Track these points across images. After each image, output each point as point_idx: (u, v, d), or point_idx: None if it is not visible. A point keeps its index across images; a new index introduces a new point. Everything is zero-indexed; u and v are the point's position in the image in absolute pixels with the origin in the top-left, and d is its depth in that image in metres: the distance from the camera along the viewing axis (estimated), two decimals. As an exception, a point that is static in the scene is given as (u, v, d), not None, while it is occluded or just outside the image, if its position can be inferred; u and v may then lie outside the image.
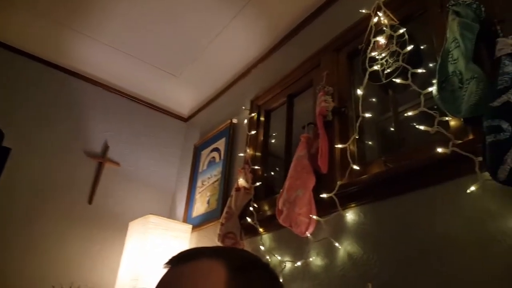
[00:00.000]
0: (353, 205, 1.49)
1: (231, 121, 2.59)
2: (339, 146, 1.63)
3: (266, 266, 0.61)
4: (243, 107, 2.51)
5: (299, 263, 1.61)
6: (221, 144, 2.62)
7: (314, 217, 1.57)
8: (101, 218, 2.54)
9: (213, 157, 2.65)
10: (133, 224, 2.34)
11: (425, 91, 1.33)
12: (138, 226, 2.27)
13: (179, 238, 2.26)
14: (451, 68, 1.24)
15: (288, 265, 1.67)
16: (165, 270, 0.58)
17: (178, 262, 0.58)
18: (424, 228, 1.22)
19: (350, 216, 1.50)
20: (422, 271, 1.18)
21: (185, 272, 0.55)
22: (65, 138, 2.60)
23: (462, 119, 1.20)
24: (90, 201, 2.55)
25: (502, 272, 1.00)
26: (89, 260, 2.41)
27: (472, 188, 1.10)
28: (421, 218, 1.24)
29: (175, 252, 0.62)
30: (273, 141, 2.34)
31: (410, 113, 1.38)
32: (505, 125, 0.96)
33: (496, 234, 1.04)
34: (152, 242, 2.14)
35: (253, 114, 2.38)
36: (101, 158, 2.68)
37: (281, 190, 1.74)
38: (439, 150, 1.18)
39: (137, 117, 2.99)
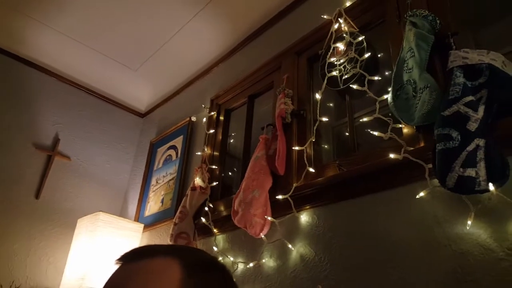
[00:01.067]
0: (307, 207, 1.50)
1: (190, 119, 2.54)
2: (297, 148, 1.64)
3: (222, 267, 0.59)
4: (203, 105, 2.47)
5: (251, 264, 1.61)
6: (178, 142, 2.56)
7: (269, 218, 1.57)
8: (48, 213, 2.41)
9: (170, 155, 2.59)
10: (82, 221, 2.24)
11: (380, 98, 1.37)
12: (87, 224, 2.17)
13: (129, 237, 2.18)
14: (405, 77, 1.28)
15: (241, 266, 1.65)
16: (116, 267, 0.55)
17: (131, 259, 0.55)
18: (375, 231, 1.25)
19: (304, 218, 1.50)
20: (372, 273, 1.21)
21: (138, 269, 0.52)
22: (12, 128, 2.44)
23: (414, 127, 1.24)
24: (37, 195, 2.40)
25: (447, 275, 1.03)
26: (33, 257, 2.27)
27: (421, 194, 1.14)
28: (372, 222, 1.27)
29: (125, 251, 0.59)
30: (231, 141, 2.32)
31: (365, 119, 1.41)
32: (454, 134, 1.00)
33: (442, 239, 1.08)
34: (101, 241, 2.05)
35: (212, 113, 2.35)
36: (51, 151, 2.54)
37: (237, 190, 1.73)
38: (392, 156, 1.22)
39: (91, 111, 2.87)
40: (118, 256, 0.56)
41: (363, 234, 1.28)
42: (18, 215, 2.29)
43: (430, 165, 1.10)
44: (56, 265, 2.30)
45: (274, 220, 1.57)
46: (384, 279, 1.16)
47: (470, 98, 1.03)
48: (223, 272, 0.58)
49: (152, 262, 0.54)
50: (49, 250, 2.34)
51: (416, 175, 1.16)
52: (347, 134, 1.56)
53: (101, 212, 2.15)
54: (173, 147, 2.59)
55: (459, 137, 0.99)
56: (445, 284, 1.03)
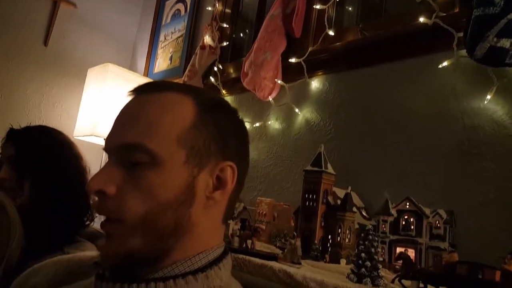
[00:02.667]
0: (320, 73, 1.45)
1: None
2: (318, 7, 1.50)
3: (234, 110, 0.58)
4: None
5: (257, 124, 1.63)
6: (187, -6, 2.38)
7: (279, 82, 1.53)
8: (58, 61, 2.38)
9: (178, 10, 2.43)
10: (91, 71, 2.23)
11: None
12: (97, 74, 2.16)
13: (138, 91, 2.19)
14: None
15: (247, 125, 1.67)
16: (129, 98, 0.54)
17: (145, 91, 0.53)
18: (387, 101, 1.23)
19: (315, 84, 1.47)
20: (377, 139, 1.22)
21: (152, 100, 0.51)
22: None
23: (453, -11, 1.11)
24: (45, 42, 2.35)
25: (453, 147, 1.04)
26: (46, 103, 2.33)
27: (445, 63, 1.07)
28: (386, 91, 1.24)
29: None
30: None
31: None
32: (498, -1, 0.89)
33: (456, 112, 1.06)
34: (111, 92, 2.07)
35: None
36: (56, -4, 2.40)
37: (248, 52, 1.66)
38: (421, 19, 1.11)
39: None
40: (130, 89, 0.55)
41: (375, 103, 1.26)
42: (28, 61, 2.27)
43: (461, 34, 1.01)
44: (69, 112, 2.38)
45: (284, 84, 1.53)
46: (388, 145, 1.18)
47: (528, -45, 0.89)
48: (234, 113, 0.58)
49: (167, 95, 0.52)
50: (62, 98, 2.39)
51: (443, 44, 1.08)
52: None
53: (110, 63, 2.12)
54: (182, 1, 2.42)
55: (502, 3, 0.89)
56: (449, 154, 1.05)
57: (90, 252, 0.62)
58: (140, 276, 0.48)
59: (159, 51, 2.50)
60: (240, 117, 0.59)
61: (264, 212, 1.23)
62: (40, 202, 0.95)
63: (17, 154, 0.98)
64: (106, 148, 0.52)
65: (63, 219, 0.96)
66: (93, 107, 2.07)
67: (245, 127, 0.60)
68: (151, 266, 0.49)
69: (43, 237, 0.89)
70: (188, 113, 0.51)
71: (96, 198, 0.49)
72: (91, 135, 2.03)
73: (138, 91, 0.54)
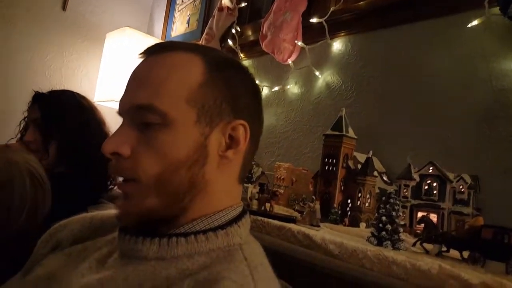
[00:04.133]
0: (342, 34, 1.40)
1: None
2: (340, -36, 1.44)
3: (244, 67, 0.58)
4: None
5: (276, 88, 1.60)
6: (205, -47, 2.30)
7: (299, 43, 1.49)
8: (76, 26, 2.37)
9: (196, -30, 2.37)
10: (110, 35, 2.22)
11: None
12: (116, 38, 2.16)
13: (156, 55, 2.18)
14: None
15: (265, 90, 1.65)
16: (140, 60, 0.54)
17: (154, 52, 0.53)
18: (412, 62, 1.18)
19: (337, 45, 1.42)
20: (399, 103, 1.19)
21: (161, 60, 0.52)
22: None
23: None
24: (64, 7, 2.34)
25: (480, 110, 1.00)
26: (66, 68, 2.34)
27: (475, 22, 1.01)
28: (411, 52, 1.19)
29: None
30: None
31: None
32: None
33: (484, 74, 1.01)
34: (130, 56, 2.06)
35: None
36: (71, -41, 2.36)
37: (267, 13, 1.61)
38: (452, -25, 1.05)
39: None
40: (141, 50, 0.54)
41: (399, 65, 1.22)
42: (47, 26, 2.27)
43: (494, -11, 0.95)
44: (89, 77, 2.39)
45: (304, 46, 1.49)
46: (412, 109, 1.15)
47: None
48: (245, 71, 0.57)
49: (175, 55, 0.52)
50: (82, 63, 2.39)
51: (473, 1, 1.02)
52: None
53: (127, 27, 2.11)
54: (200, -39, 2.35)
55: (542, -47, 0.82)
56: (475, 118, 1.01)
57: (112, 210, 0.63)
58: (160, 233, 0.49)
59: (176, 14, 2.46)
60: (251, 75, 0.58)
61: (283, 177, 1.23)
62: (65, 164, 0.98)
63: (43, 117, 1.00)
64: (120, 111, 0.52)
65: (87, 181, 0.98)
66: (112, 72, 2.08)
67: (256, 85, 0.59)
68: (168, 224, 0.50)
69: (68, 198, 0.92)
70: (197, 72, 0.50)
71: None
72: (111, 100, 2.04)
73: (148, 53, 0.54)
